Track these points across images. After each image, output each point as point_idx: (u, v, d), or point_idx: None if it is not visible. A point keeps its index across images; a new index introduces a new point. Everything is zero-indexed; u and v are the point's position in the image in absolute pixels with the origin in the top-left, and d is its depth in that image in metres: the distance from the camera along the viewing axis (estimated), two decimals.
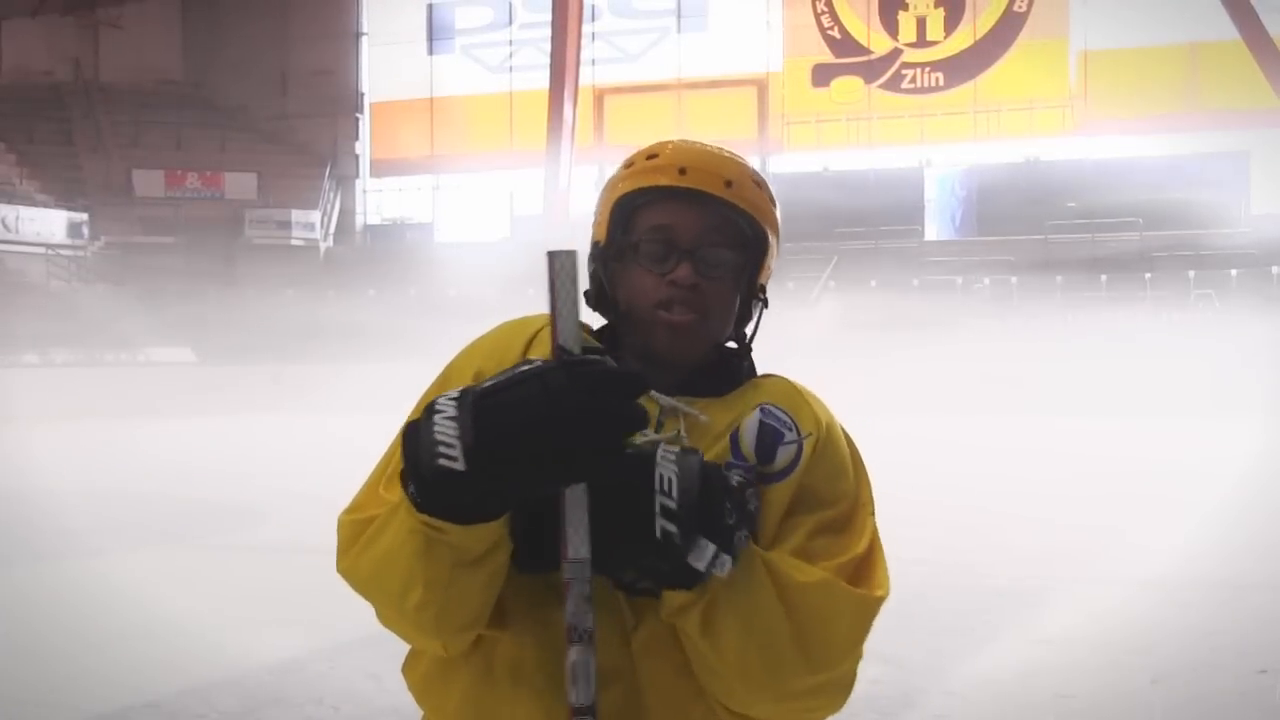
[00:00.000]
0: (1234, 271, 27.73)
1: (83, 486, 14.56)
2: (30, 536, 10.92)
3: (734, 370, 1.81)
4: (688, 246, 1.73)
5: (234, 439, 20.31)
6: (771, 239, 1.80)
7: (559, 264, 1.47)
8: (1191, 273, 28.31)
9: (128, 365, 29.11)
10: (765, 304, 1.83)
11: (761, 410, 1.75)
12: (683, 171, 1.75)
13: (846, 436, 1.83)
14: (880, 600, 1.70)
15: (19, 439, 19.92)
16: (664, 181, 1.75)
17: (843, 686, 1.70)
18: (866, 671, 1.76)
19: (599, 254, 1.80)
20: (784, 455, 1.73)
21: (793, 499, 1.72)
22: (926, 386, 23.14)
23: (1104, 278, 28.52)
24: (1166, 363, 23.29)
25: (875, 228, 31.74)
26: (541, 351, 1.65)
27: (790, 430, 1.74)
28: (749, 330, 1.85)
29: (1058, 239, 30.57)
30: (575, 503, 1.46)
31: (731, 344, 1.84)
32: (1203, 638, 7.19)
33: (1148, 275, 28.56)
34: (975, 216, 33.32)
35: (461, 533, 1.50)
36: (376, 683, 5.72)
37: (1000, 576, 8.92)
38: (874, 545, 1.74)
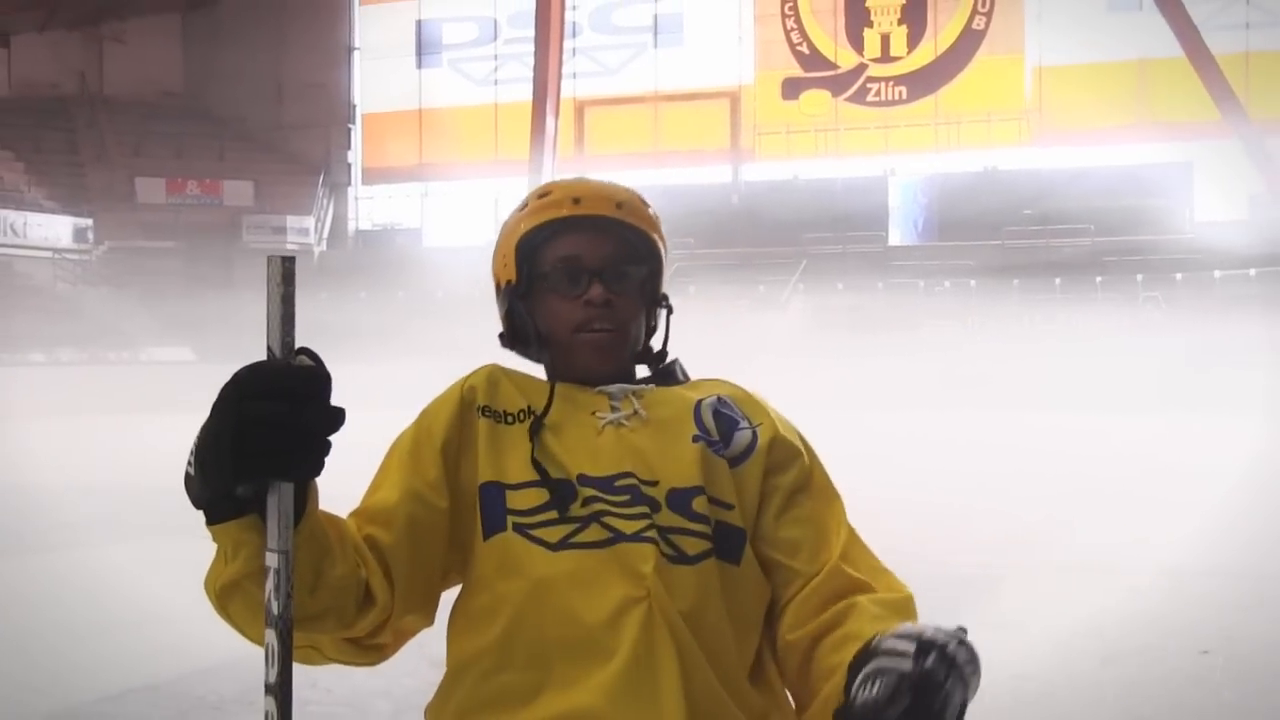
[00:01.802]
0: (1179, 275, 27.85)
1: (88, 480, 14.51)
2: (37, 528, 10.87)
3: (669, 375, 1.89)
4: (595, 268, 1.78)
5: None
6: (662, 250, 1.86)
7: (270, 268, 1.41)
8: (1139, 276, 28.43)
9: (130, 364, 28.99)
10: (670, 309, 1.90)
11: (717, 399, 1.82)
12: (577, 201, 1.80)
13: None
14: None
15: (27, 434, 19.81)
16: (561, 214, 1.80)
17: None
18: None
19: (510, 293, 1.84)
20: (740, 439, 1.79)
21: (763, 475, 1.79)
22: (890, 383, 23.19)
23: (1058, 280, 28.62)
24: (1116, 361, 23.42)
25: (842, 233, 31.80)
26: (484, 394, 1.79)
27: (742, 420, 1.81)
28: (659, 338, 1.90)
29: (1014, 244, 30.66)
30: (275, 498, 1.43)
31: (649, 357, 1.90)
32: (1150, 621, 7.22)
33: (1099, 278, 28.67)
34: (937, 223, 33.41)
35: (214, 531, 1.50)
36: (369, 667, 5.71)
37: (960, 564, 8.94)
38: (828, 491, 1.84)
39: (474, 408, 1.77)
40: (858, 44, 34.93)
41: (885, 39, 34.79)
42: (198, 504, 1.49)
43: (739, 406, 1.83)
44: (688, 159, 35.35)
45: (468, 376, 1.82)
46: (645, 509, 1.68)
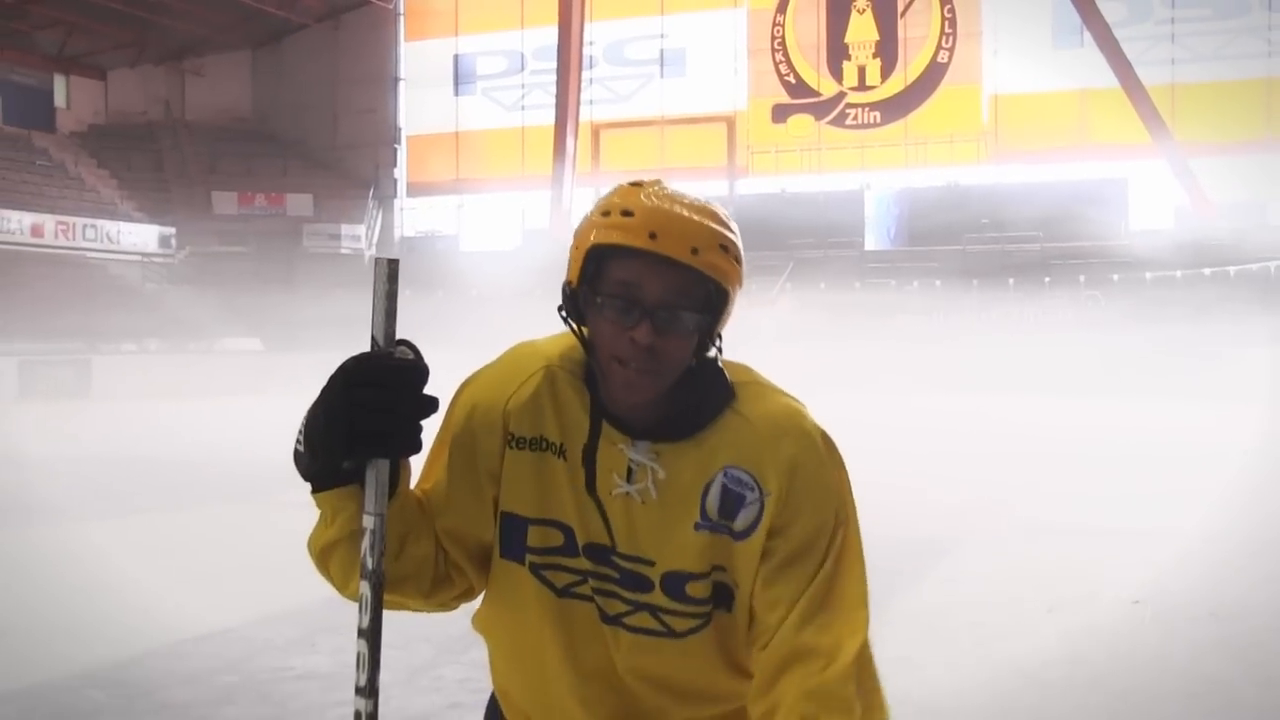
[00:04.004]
0: (1116, 277, 27.77)
1: (171, 453, 14.56)
2: (127, 493, 10.91)
3: (704, 408, 1.59)
4: (649, 306, 1.51)
5: (295, 413, 20.23)
6: (733, 294, 1.56)
7: (378, 268, 1.42)
8: (1082, 277, 28.35)
9: (207, 353, 29.06)
10: (720, 350, 1.60)
11: (725, 474, 1.57)
12: (653, 236, 1.50)
13: (825, 449, 1.60)
14: (859, 647, 1.52)
15: (123, 413, 19.90)
16: (634, 243, 1.51)
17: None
18: None
19: (569, 293, 1.57)
20: (745, 516, 1.56)
21: (764, 545, 1.58)
22: (866, 370, 23.19)
23: (1011, 281, 28.54)
24: (1062, 351, 23.41)
25: (824, 240, 31.76)
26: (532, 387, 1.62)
27: (752, 490, 1.57)
28: (710, 354, 1.60)
29: (974, 249, 30.59)
30: (373, 471, 1.45)
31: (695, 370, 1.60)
32: (1089, 576, 7.23)
33: (1047, 279, 28.58)
34: (907, 231, 33.33)
35: (318, 498, 1.53)
36: (412, 614, 5.73)
37: (924, 529, 8.94)
38: (841, 568, 1.58)
39: (506, 432, 1.62)
40: (838, 75, 34.81)
41: (862, 71, 34.67)
42: (306, 476, 1.51)
43: (753, 466, 1.57)
44: (689, 175, 35.22)
45: (518, 387, 1.63)
46: (635, 593, 1.60)
